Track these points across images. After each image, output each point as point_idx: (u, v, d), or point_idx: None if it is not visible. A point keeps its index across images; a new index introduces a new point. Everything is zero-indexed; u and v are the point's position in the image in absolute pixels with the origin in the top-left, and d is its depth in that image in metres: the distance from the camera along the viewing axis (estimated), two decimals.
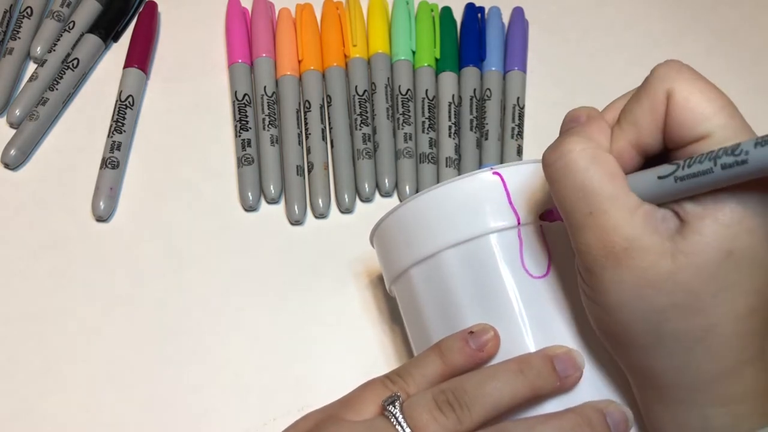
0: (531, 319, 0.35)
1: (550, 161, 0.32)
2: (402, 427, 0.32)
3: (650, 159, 0.32)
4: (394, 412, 0.32)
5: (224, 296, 0.48)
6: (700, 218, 0.29)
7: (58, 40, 0.55)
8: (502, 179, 0.37)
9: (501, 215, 0.37)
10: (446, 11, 0.59)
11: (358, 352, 0.46)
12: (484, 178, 0.37)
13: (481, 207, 0.37)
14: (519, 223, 0.37)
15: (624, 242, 0.30)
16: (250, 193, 0.51)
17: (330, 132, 0.54)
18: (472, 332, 0.35)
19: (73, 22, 0.56)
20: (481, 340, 0.35)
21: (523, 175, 0.37)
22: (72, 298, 0.47)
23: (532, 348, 0.35)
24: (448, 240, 0.37)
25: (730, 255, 0.29)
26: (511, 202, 0.37)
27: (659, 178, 0.30)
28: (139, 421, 0.44)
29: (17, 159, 0.51)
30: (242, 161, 0.51)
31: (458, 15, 0.59)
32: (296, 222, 0.51)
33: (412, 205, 0.38)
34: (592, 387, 0.35)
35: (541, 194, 0.37)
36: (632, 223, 0.30)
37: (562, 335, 0.35)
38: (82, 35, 0.56)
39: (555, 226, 0.37)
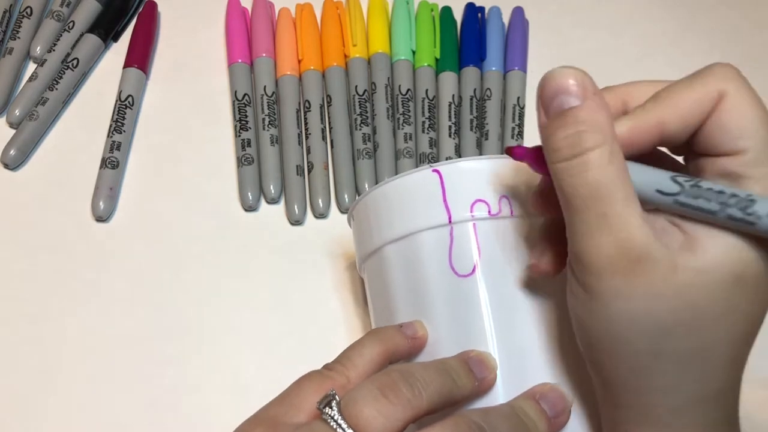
0: (453, 318, 0.36)
1: (563, 155, 0.29)
2: (342, 429, 0.29)
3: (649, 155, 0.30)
4: (332, 414, 0.29)
5: (224, 296, 0.48)
6: (711, 237, 0.28)
7: (58, 40, 0.55)
8: (441, 176, 0.37)
9: (435, 213, 0.37)
10: (446, 11, 0.59)
11: None
12: (423, 175, 0.37)
13: (417, 204, 0.37)
14: (450, 222, 0.36)
15: (639, 250, 0.28)
16: (249, 193, 0.51)
17: (330, 132, 0.54)
18: (401, 325, 0.36)
19: (73, 22, 0.56)
20: (413, 328, 0.36)
21: (465, 172, 0.37)
22: (72, 298, 0.47)
23: (452, 347, 0.35)
24: (388, 236, 0.38)
25: (739, 279, 0.28)
26: (445, 200, 0.37)
27: (658, 192, 0.29)
28: (138, 421, 0.44)
29: (17, 159, 0.51)
30: (242, 161, 0.51)
31: (458, 15, 0.59)
32: (296, 222, 0.51)
33: (364, 201, 0.39)
34: (511, 388, 0.34)
35: (480, 191, 0.37)
36: (644, 231, 0.28)
37: (483, 335, 0.35)
38: (81, 35, 0.56)
39: (488, 225, 0.36)
